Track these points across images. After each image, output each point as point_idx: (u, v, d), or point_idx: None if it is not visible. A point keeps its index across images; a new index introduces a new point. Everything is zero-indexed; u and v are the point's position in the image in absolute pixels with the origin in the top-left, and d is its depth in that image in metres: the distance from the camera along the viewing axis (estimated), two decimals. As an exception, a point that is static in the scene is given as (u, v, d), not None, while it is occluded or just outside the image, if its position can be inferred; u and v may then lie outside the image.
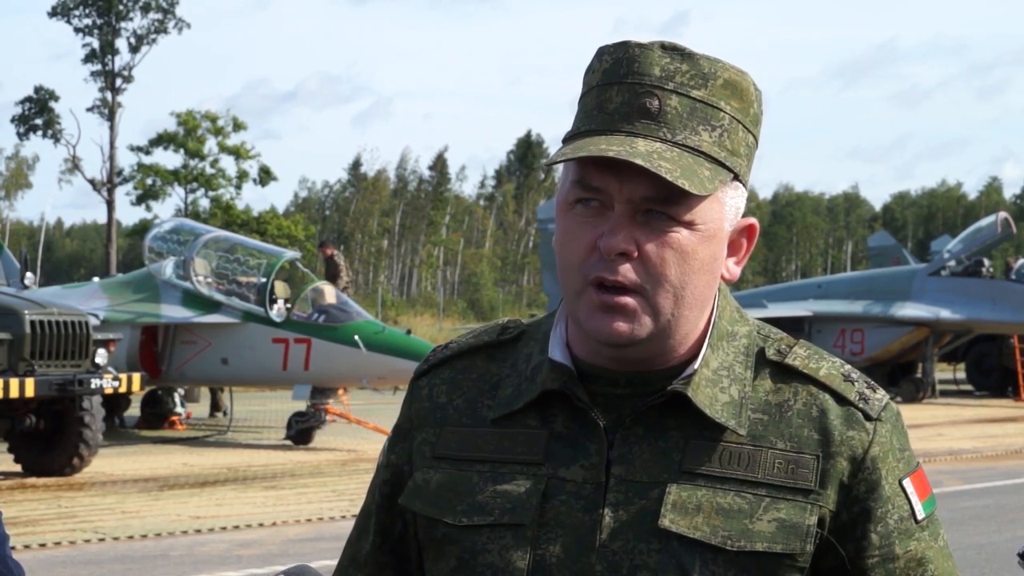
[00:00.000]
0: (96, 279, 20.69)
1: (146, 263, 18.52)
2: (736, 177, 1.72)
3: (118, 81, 52.58)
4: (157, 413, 19.24)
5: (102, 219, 64.62)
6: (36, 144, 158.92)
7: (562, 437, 1.74)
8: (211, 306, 17.52)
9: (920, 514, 1.75)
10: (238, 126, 51.85)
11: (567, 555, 1.69)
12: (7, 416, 13.59)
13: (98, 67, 52.49)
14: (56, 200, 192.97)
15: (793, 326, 26.43)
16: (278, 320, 17.12)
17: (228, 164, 51.92)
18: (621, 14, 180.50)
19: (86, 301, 17.31)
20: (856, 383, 1.76)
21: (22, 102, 52.42)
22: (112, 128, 52.17)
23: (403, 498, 1.82)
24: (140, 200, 51.33)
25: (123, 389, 14.14)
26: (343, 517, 11.41)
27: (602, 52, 1.73)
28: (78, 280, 34.88)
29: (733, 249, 1.76)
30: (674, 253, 1.68)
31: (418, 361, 1.89)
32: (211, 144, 51.48)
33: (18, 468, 14.09)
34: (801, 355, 1.77)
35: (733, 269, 1.77)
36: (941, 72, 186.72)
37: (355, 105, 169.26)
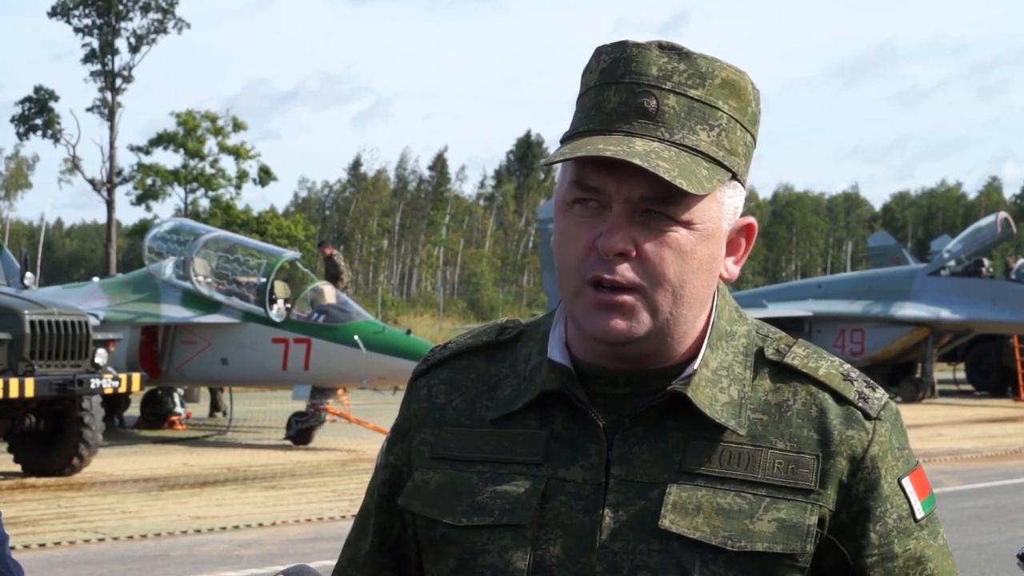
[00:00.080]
0: (96, 279, 20.69)
1: (146, 263, 18.52)
2: (734, 176, 1.71)
3: (118, 81, 52.61)
4: (157, 413, 19.23)
5: (102, 219, 64.64)
6: (36, 144, 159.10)
7: (562, 437, 1.74)
8: (211, 306, 17.52)
9: (919, 513, 1.75)
10: (238, 126, 51.87)
11: (567, 556, 1.69)
12: (7, 416, 13.59)
13: (98, 67, 52.52)
14: (56, 200, 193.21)
15: (793, 326, 26.43)
16: (278, 320, 17.12)
17: (228, 164, 52.00)
18: (621, 14, 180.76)
19: (86, 301, 17.31)
20: (855, 382, 1.76)
21: (22, 102, 52.48)
22: (112, 128, 52.19)
23: (402, 499, 1.81)
24: (140, 200, 51.35)
25: (123, 389, 14.14)
26: (343, 517, 11.41)
27: (600, 52, 1.73)
28: (78, 280, 34.88)
29: (732, 248, 1.76)
30: (672, 252, 1.67)
31: (418, 361, 1.88)
32: (211, 144, 51.53)
33: (18, 468, 14.09)
34: (800, 354, 1.77)
35: (732, 268, 1.76)
36: (941, 72, 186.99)
37: (355, 105, 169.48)
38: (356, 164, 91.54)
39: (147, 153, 51.39)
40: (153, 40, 52.69)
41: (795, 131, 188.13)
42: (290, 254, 18.60)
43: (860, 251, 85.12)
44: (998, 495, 13.56)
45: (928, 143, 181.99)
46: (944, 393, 28.97)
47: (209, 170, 51.51)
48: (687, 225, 1.68)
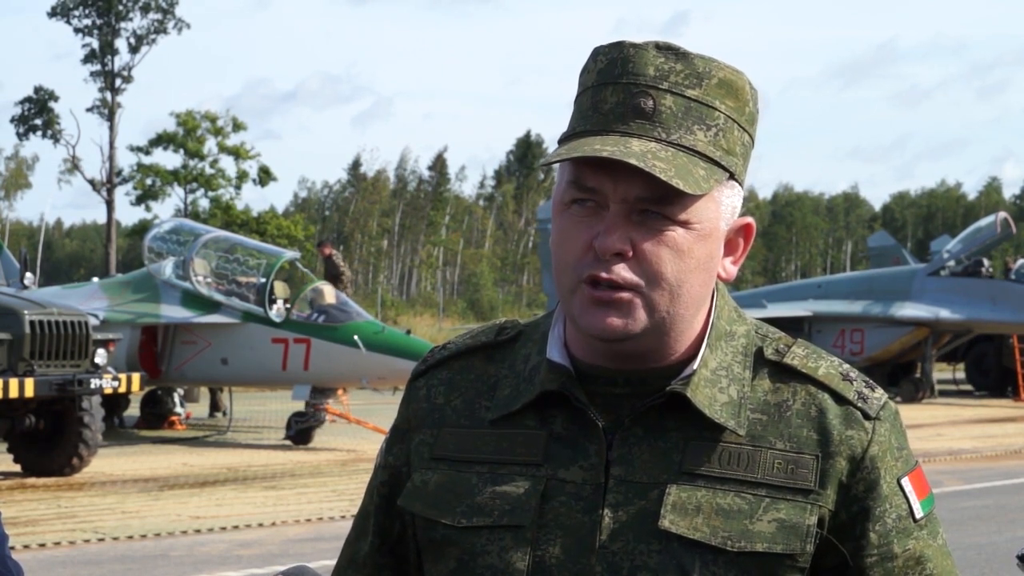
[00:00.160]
0: (96, 279, 20.69)
1: (146, 263, 18.52)
2: (732, 176, 1.71)
3: (118, 81, 52.59)
4: (157, 413, 19.23)
5: (102, 219, 64.65)
6: (36, 144, 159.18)
7: (561, 438, 1.74)
8: (211, 306, 17.52)
9: (918, 513, 1.75)
10: (238, 126, 51.88)
11: (567, 556, 1.69)
12: (7, 416, 13.59)
13: (98, 67, 52.50)
14: (56, 200, 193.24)
15: (793, 326, 26.43)
16: (278, 320, 17.12)
17: (228, 164, 52.01)
18: (621, 14, 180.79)
19: (86, 301, 17.31)
20: (854, 382, 1.76)
21: (22, 102, 52.45)
22: (112, 128, 52.17)
23: (402, 499, 1.81)
24: (140, 200, 51.35)
25: (123, 389, 14.13)
26: (343, 517, 11.40)
27: (597, 52, 1.73)
28: (78, 280, 34.90)
29: (730, 248, 1.76)
30: (670, 251, 1.67)
31: (417, 361, 1.88)
32: (211, 144, 51.53)
33: (18, 468, 14.09)
34: (799, 354, 1.77)
35: (730, 268, 1.76)
36: (941, 72, 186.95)
37: (355, 105, 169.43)
38: (356, 164, 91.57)
39: (147, 153, 51.43)
40: (153, 40, 52.69)
41: (795, 131, 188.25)
42: (290, 254, 18.60)
43: (860, 251, 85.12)
44: (998, 495, 13.55)
45: (928, 143, 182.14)
46: (944, 393, 28.97)
47: (209, 170, 51.51)
48: (684, 225, 1.68)
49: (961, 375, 31.91)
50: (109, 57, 52.52)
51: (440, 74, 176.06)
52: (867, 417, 1.74)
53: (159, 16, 52.52)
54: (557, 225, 1.72)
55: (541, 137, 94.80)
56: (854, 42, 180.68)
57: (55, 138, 52.66)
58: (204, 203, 51.73)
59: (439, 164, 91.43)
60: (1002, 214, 28.82)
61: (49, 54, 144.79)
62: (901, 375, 27.96)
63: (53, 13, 52.62)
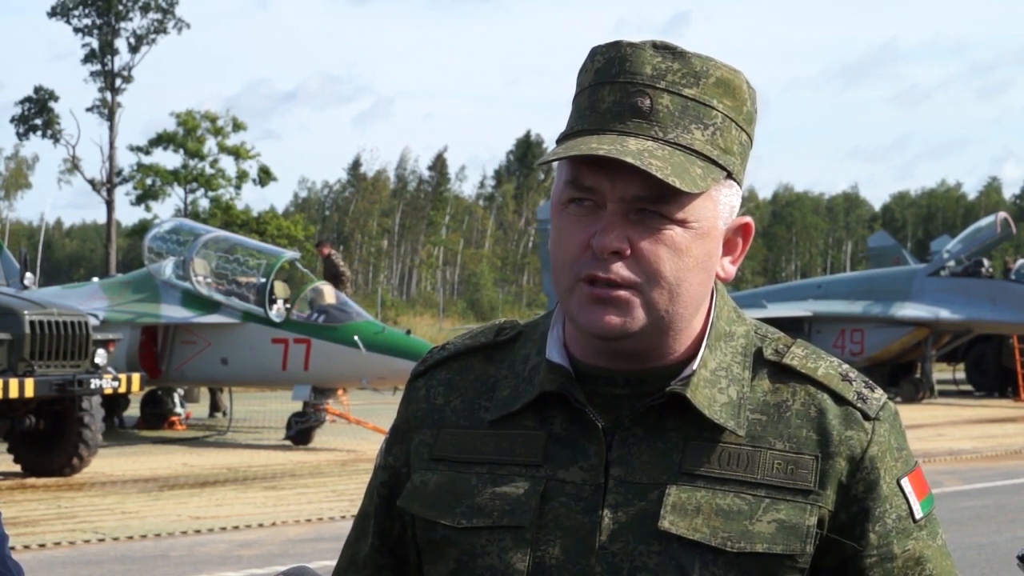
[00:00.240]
0: (96, 279, 20.69)
1: (146, 263, 18.52)
2: (730, 175, 1.71)
3: (118, 81, 52.59)
4: (157, 413, 19.23)
5: (102, 219, 64.61)
6: (36, 144, 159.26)
7: (561, 438, 1.74)
8: (211, 306, 17.52)
9: (918, 513, 1.75)
10: (238, 126, 51.89)
11: (567, 557, 1.69)
12: (7, 416, 13.59)
13: (98, 67, 52.51)
14: (56, 200, 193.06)
15: (793, 326, 26.43)
16: (277, 320, 17.12)
17: (228, 164, 52.01)
18: (621, 14, 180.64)
19: (86, 301, 17.31)
20: (854, 383, 1.76)
21: (22, 102, 52.46)
22: (112, 128, 52.18)
23: (401, 500, 1.81)
24: (140, 200, 51.35)
25: (123, 389, 14.13)
26: (343, 517, 11.40)
27: (594, 52, 1.73)
28: (78, 280, 34.89)
29: (728, 248, 1.76)
30: (668, 250, 1.67)
31: (417, 361, 1.88)
32: (211, 144, 51.54)
33: (18, 468, 14.09)
34: (799, 355, 1.77)
35: (728, 268, 1.76)
36: (941, 72, 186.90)
37: (355, 105, 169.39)
38: (356, 164, 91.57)
39: (147, 153, 51.43)
40: (153, 40, 52.69)
41: (795, 131, 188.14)
42: (290, 254, 18.60)
43: (860, 251, 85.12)
44: (998, 495, 13.55)
45: (928, 143, 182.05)
46: (944, 393, 28.96)
47: (209, 170, 51.52)
48: (682, 223, 1.68)
49: (961, 375, 31.91)
50: (109, 57, 52.52)
51: (440, 74, 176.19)
52: (867, 417, 1.74)
53: (159, 16, 52.55)
54: (555, 224, 1.72)
55: (541, 137, 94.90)
56: (854, 42, 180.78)
57: (55, 138, 52.66)
58: (204, 203, 51.77)
59: (439, 164, 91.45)
60: (1002, 214, 28.82)
61: (49, 54, 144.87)
62: (901, 375, 27.96)
63: (53, 13, 52.64)
